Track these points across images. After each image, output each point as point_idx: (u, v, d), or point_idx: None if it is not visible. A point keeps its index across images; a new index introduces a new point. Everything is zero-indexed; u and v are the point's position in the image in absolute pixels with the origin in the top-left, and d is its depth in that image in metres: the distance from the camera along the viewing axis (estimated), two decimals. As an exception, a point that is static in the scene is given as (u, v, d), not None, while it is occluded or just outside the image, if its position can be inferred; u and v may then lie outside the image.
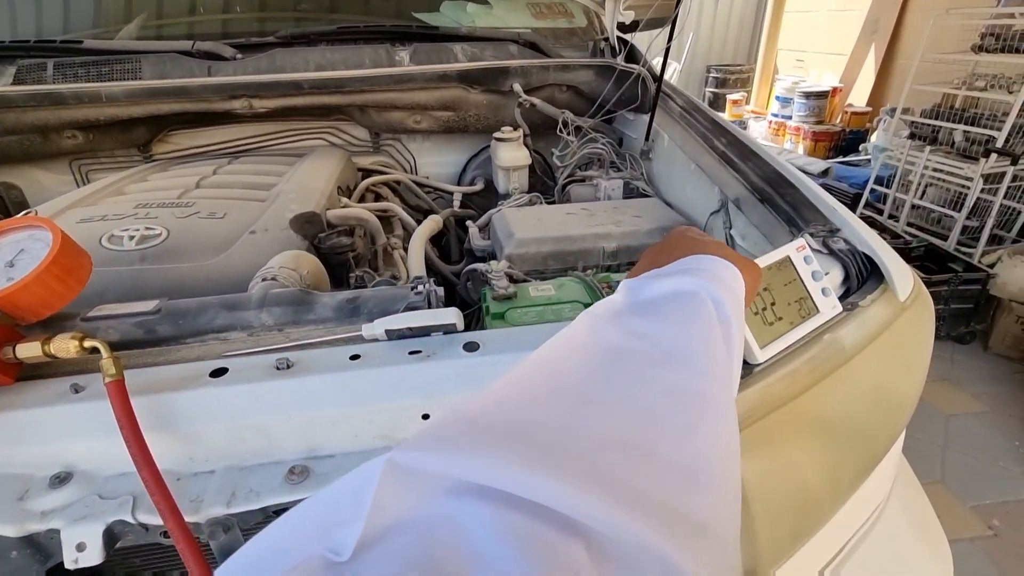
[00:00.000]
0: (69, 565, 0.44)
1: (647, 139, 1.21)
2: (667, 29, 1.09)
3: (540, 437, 0.28)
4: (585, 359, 0.36)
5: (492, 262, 0.91)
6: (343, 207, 1.07)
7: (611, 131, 1.39)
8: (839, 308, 0.59)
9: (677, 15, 1.03)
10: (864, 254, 0.68)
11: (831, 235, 0.71)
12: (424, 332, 0.55)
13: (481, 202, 1.42)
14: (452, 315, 0.54)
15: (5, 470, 0.47)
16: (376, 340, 0.55)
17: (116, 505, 0.46)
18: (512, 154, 1.25)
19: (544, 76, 1.25)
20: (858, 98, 5.62)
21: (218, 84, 1.13)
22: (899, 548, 0.79)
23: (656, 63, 1.31)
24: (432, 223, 1.11)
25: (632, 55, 1.44)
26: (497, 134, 1.27)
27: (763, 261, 0.56)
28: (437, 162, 1.55)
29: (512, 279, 0.88)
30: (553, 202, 1.27)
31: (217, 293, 0.77)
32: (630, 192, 1.23)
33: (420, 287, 0.60)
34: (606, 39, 1.46)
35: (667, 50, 1.10)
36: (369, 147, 1.49)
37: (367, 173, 1.38)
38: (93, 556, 0.44)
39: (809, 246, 0.61)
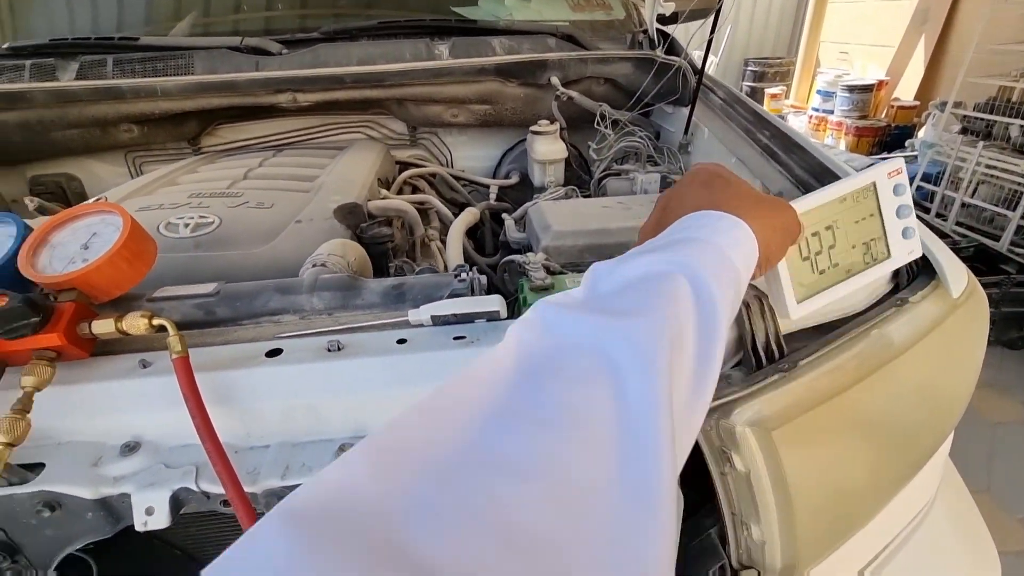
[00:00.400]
0: (139, 527, 0.47)
1: (686, 132, 1.19)
2: (708, 21, 1.08)
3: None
4: (493, 389, 0.28)
5: (529, 254, 0.91)
6: (382, 199, 1.10)
7: (648, 124, 1.38)
8: (918, 252, 0.51)
9: (721, 6, 1.02)
10: (914, 249, 0.66)
11: (879, 230, 0.69)
12: (468, 319, 0.57)
13: (516, 195, 1.43)
14: (496, 303, 0.56)
15: (80, 438, 0.51)
16: (421, 325, 0.57)
17: (180, 474, 0.49)
18: (548, 147, 1.26)
19: (582, 69, 1.25)
20: (905, 92, 5.40)
21: (265, 78, 1.17)
22: (944, 553, 0.77)
23: (695, 56, 1.30)
24: (469, 215, 1.12)
25: (671, 48, 1.42)
26: (533, 127, 1.27)
27: (834, 191, 0.47)
28: (473, 156, 1.56)
29: (549, 271, 0.89)
30: (589, 196, 1.27)
31: (265, 278, 0.81)
32: (667, 186, 1.22)
33: (463, 275, 0.61)
34: (645, 31, 1.44)
35: (709, 42, 1.09)
36: (406, 140, 1.51)
37: (404, 166, 1.41)
38: (160, 520, 0.47)
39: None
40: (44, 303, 0.48)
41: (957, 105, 3.18)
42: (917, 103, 4.97)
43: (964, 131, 2.96)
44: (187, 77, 1.17)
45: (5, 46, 1.31)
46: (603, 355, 0.29)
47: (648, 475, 0.25)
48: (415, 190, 1.36)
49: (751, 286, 0.59)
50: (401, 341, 0.55)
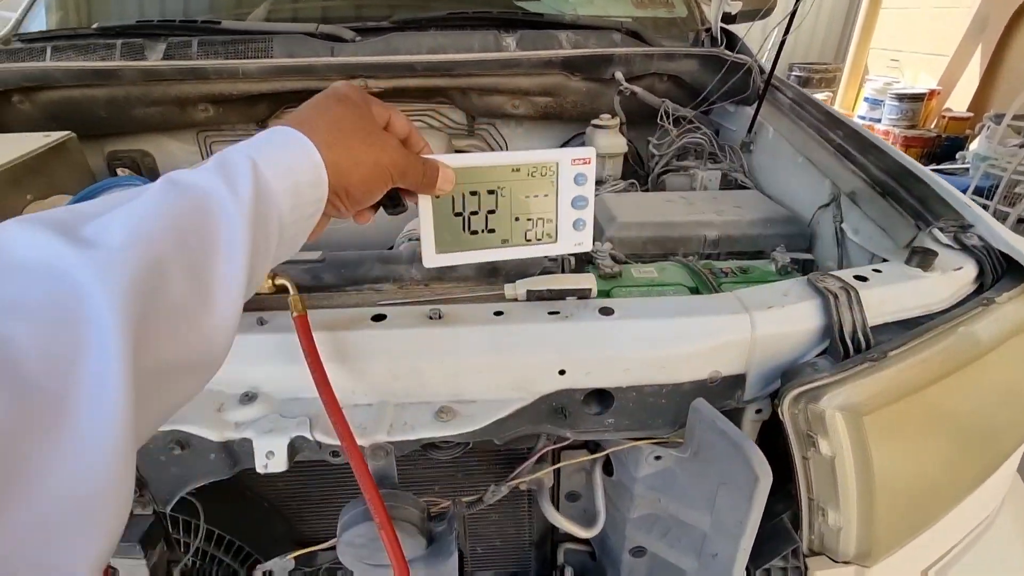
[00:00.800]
0: (260, 469, 0.51)
1: (750, 131, 1.20)
2: (778, 21, 1.08)
3: None
4: None
5: (596, 243, 0.94)
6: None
7: (708, 122, 1.38)
8: (585, 245, 0.53)
9: (797, 6, 1.02)
10: (1000, 251, 0.66)
11: (963, 230, 0.69)
12: (560, 295, 0.59)
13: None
14: (589, 280, 0.58)
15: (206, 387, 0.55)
16: (515, 300, 0.60)
17: (296, 423, 0.52)
18: (609, 141, 1.27)
19: (647, 65, 1.26)
20: (958, 103, 5.23)
21: (340, 64, 1.21)
22: (1010, 562, 0.77)
23: (757, 55, 1.29)
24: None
25: (733, 46, 1.42)
26: (595, 121, 1.29)
27: (506, 158, 0.49)
28: (528, 147, 1.59)
29: (615, 260, 0.91)
30: (647, 190, 1.28)
31: (361, 248, 0.85)
32: (728, 184, 1.23)
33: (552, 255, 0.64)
34: (708, 30, 1.44)
35: (782, 42, 1.09)
36: (464, 131, 1.55)
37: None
38: (279, 463, 0.51)
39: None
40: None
41: (1018, 118, 3.08)
42: (970, 115, 4.81)
43: (1024, 144, 2.86)
44: (268, 60, 1.22)
45: (95, 26, 1.38)
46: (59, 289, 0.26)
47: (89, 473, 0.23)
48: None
49: (837, 278, 0.61)
50: (498, 313, 0.57)
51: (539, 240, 0.51)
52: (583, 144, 1.43)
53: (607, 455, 0.67)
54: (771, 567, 0.60)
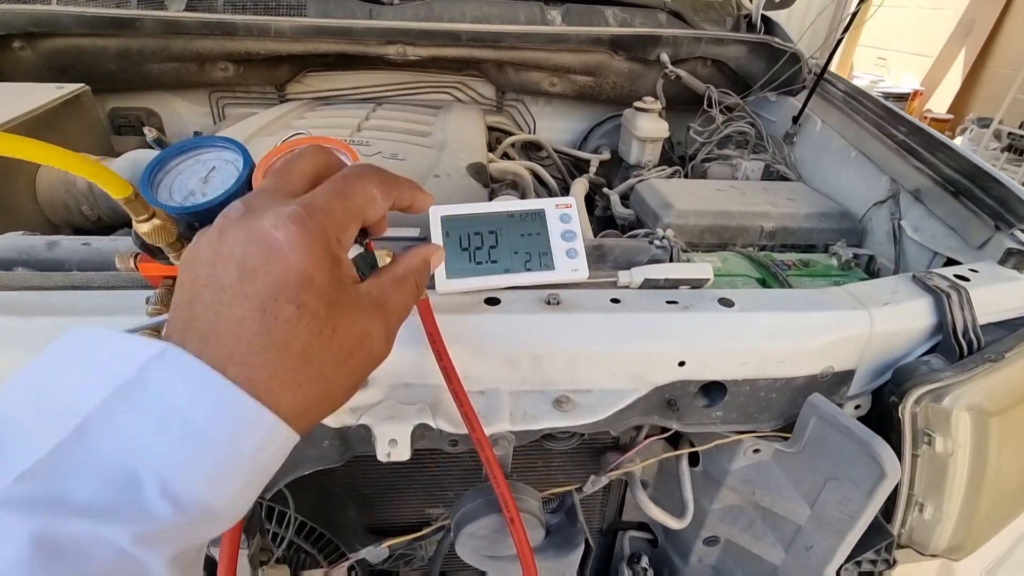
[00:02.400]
0: (382, 458, 0.48)
1: (795, 122, 1.19)
2: (839, 8, 1.06)
3: None
4: None
5: (658, 230, 0.92)
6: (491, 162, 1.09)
7: (746, 111, 1.37)
8: (581, 272, 0.56)
9: (867, -4, 1.01)
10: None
11: (1046, 233, 0.70)
12: (674, 284, 0.57)
13: (602, 171, 1.43)
14: (706, 270, 0.56)
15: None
16: (627, 288, 0.58)
17: (416, 411, 0.50)
18: (652, 125, 1.25)
19: (694, 48, 1.24)
20: (938, 104, 5.38)
21: (381, 28, 1.14)
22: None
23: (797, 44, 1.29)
24: (582, 187, 1.12)
25: (772, 33, 1.41)
26: (638, 103, 1.26)
27: (501, 206, 0.56)
28: (555, 127, 1.55)
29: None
30: (685, 177, 1.27)
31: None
32: (769, 175, 1.23)
33: (658, 241, 0.62)
34: (746, 16, 1.42)
35: (846, 30, 1.08)
36: (493, 105, 1.50)
37: (490, 131, 1.39)
38: (403, 452, 0.48)
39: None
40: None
41: (1001, 122, 3.19)
42: (950, 116, 4.96)
43: (1010, 148, 2.97)
44: (302, 19, 1.15)
45: (103, -32, 1.27)
46: None
47: None
48: (504, 156, 1.35)
49: (944, 277, 0.61)
50: (615, 300, 0.55)
51: (538, 268, 0.56)
52: (619, 126, 1.40)
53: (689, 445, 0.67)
54: (862, 559, 0.61)
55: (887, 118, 0.99)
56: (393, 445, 0.48)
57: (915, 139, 0.92)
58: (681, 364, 0.54)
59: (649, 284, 0.57)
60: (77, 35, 1.16)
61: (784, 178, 1.20)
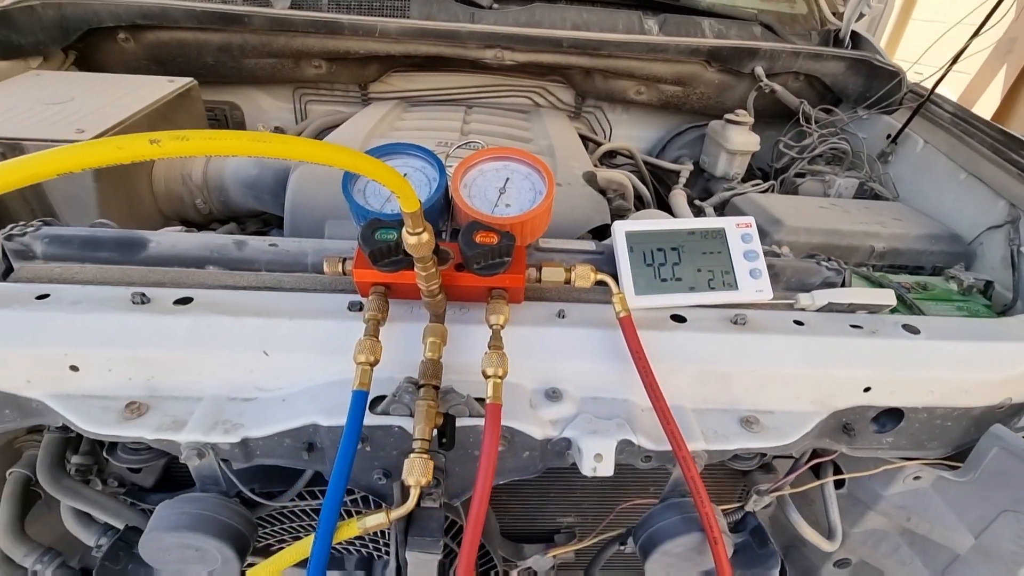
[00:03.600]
0: (587, 472, 0.48)
1: (894, 141, 1.18)
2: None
3: None
4: None
5: (774, 246, 0.92)
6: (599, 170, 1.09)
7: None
8: (767, 293, 0.56)
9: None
10: None
11: None
12: (853, 308, 0.57)
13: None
14: (889, 296, 0.56)
15: (507, 379, 0.51)
16: (805, 310, 0.58)
17: (615, 426, 0.50)
18: (744, 138, 1.24)
19: (791, 63, 1.23)
20: (978, 121, 5.28)
21: (482, 32, 1.15)
22: None
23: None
24: (683, 197, 1.12)
25: (859, 47, 1.39)
26: (729, 116, 1.26)
27: (681, 223, 0.57)
28: (631, 135, 1.55)
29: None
30: (774, 192, 1.26)
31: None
32: (862, 193, 1.22)
33: (825, 263, 0.62)
34: (833, 31, 1.41)
35: (960, 52, 1.06)
36: (572, 111, 1.50)
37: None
38: (608, 467, 0.48)
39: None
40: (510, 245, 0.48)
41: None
42: (991, 134, 4.88)
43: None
44: (407, 21, 1.15)
45: (203, -37, 1.28)
46: None
47: None
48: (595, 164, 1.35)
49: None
50: (798, 323, 0.55)
51: (723, 287, 0.56)
52: (701, 136, 1.40)
53: (834, 466, 0.66)
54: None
55: (1005, 142, 0.98)
56: (599, 460, 0.48)
57: (1040, 165, 0.91)
58: (867, 390, 0.54)
59: (830, 307, 0.57)
60: (182, 28, 1.17)
61: (878, 197, 1.19)
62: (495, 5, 1.22)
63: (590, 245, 0.60)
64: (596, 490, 0.71)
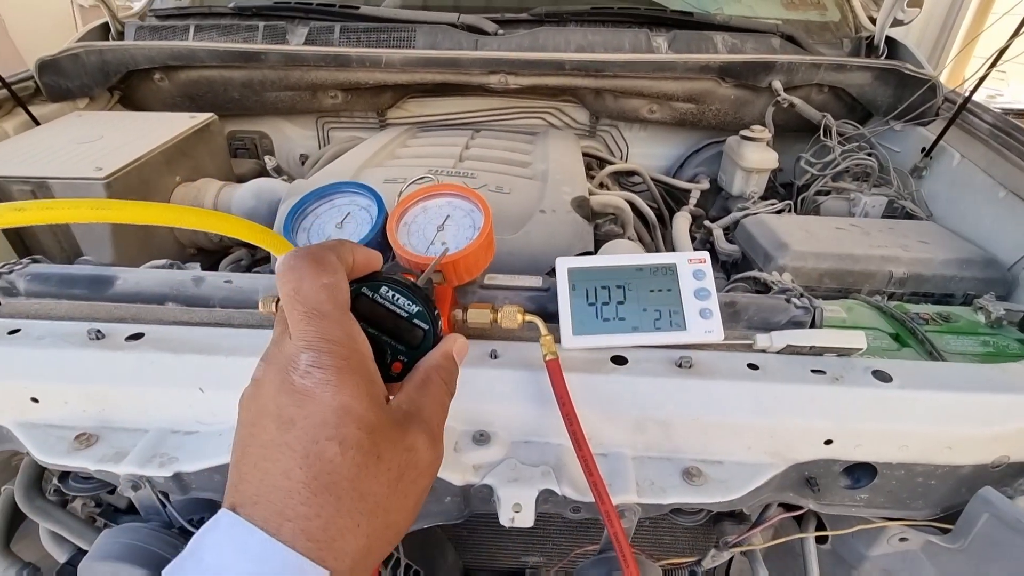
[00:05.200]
0: (505, 522, 0.47)
1: (926, 155, 1.09)
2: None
3: None
4: None
5: (774, 272, 0.86)
6: (596, 194, 1.07)
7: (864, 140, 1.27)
8: (716, 334, 0.52)
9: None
10: None
11: None
12: (819, 351, 0.53)
13: (700, 201, 1.37)
14: (859, 339, 0.51)
15: (435, 419, 0.51)
16: (765, 351, 0.53)
17: (540, 474, 0.48)
18: (760, 155, 1.18)
19: (811, 75, 1.16)
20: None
21: (486, 58, 1.16)
22: None
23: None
24: (686, 220, 1.08)
25: (897, 55, 1.30)
26: (745, 132, 1.20)
27: (628, 259, 0.54)
28: (649, 153, 1.51)
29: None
30: (795, 211, 1.19)
31: (518, 268, 0.80)
32: (892, 212, 1.12)
33: (796, 299, 0.57)
34: (867, 38, 1.32)
35: (998, 57, 0.97)
36: (586, 131, 1.48)
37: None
38: (527, 518, 0.47)
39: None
40: (429, 288, 0.47)
41: None
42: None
43: None
44: (412, 51, 1.18)
45: (231, 4, 1.37)
46: None
47: None
48: (600, 185, 1.33)
49: None
50: (752, 367, 0.51)
51: (669, 328, 0.53)
52: (719, 153, 1.34)
53: (816, 519, 0.61)
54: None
55: (1049, 156, 0.87)
56: (518, 510, 0.46)
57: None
58: (828, 442, 0.49)
59: (791, 349, 0.52)
60: (209, 67, 1.26)
61: (910, 216, 1.10)
62: (500, 31, 1.23)
63: (536, 281, 0.59)
64: (560, 530, 0.69)
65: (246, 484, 0.28)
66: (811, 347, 0.52)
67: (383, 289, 0.38)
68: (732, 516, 0.61)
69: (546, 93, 1.37)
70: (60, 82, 1.21)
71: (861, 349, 0.51)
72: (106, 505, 0.64)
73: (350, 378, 0.30)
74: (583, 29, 1.22)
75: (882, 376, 0.50)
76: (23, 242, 0.91)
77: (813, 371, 0.51)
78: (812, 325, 0.56)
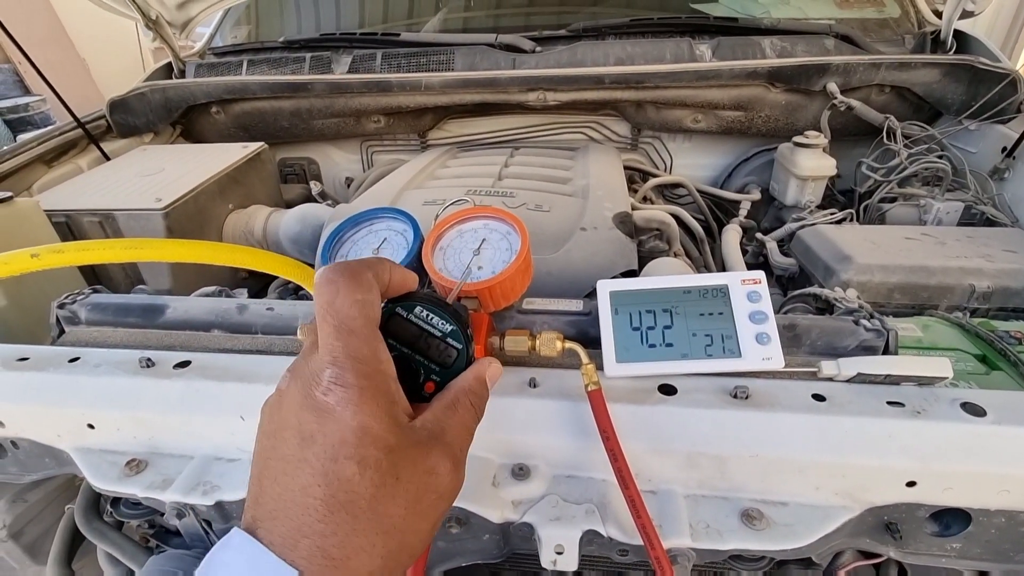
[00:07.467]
0: (547, 565, 0.44)
1: (1010, 154, 0.99)
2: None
3: None
4: None
5: (837, 289, 0.80)
6: (640, 208, 1.04)
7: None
8: (776, 362, 0.47)
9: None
10: None
11: None
12: (896, 380, 0.47)
13: (750, 212, 1.30)
14: (946, 367, 0.46)
15: (473, 451, 0.49)
16: (831, 380, 0.49)
17: (583, 512, 0.45)
18: (815, 163, 1.11)
19: (871, 75, 1.09)
20: None
21: (524, 76, 1.15)
22: None
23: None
24: (736, 234, 1.02)
25: (967, 49, 1.20)
26: (798, 139, 1.14)
27: (675, 281, 0.51)
28: (694, 164, 1.46)
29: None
30: (858, 220, 1.11)
31: (558, 289, 0.78)
32: (970, 218, 1.03)
33: (866, 321, 0.52)
34: (933, 33, 1.23)
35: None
36: (628, 144, 1.44)
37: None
38: (570, 562, 0.44)
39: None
40: (462, 308, 0.46)
41: None
42: None
43: None
44: (451, 73, 1.20)
45: (281, 39, 1.44)
46: None
47: None
48: (643, 199, 1.29)
49: None
50: (818, 397, 0.47)
51: (723, 355, 0.49)
52: (770, 162, 1.27)
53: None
54: None
55: None
56: (560, 551, 0.43)
57: None
58: (910, 484, 0.44)
59: (862, 378, 0.47)
60: (260, 99, 1.31)
61: (992, 222, 1.00)
62: (538, 48, 1.23)
63: (577, 305, 0.56)
64: (603, 571, 0.65)
65: (266, 497, 0.28)
66: (886, 376, 0.46)
67: (417, 309, 0.39)
68: (800, 563, 0.56)
69: (586, 108, 1.35)
70: (128, 119, 1.30)
71: (947, 378, 0.46)
72: (159, 527, 0.65)
73: (371, 397, 0.30)
74: (622, 42, 1.20)
75: (973, 409, 0.44)
76: (93, 271, 0.97)
77: (890, 403, 0.45)
78: (886, 350, 0.51)
